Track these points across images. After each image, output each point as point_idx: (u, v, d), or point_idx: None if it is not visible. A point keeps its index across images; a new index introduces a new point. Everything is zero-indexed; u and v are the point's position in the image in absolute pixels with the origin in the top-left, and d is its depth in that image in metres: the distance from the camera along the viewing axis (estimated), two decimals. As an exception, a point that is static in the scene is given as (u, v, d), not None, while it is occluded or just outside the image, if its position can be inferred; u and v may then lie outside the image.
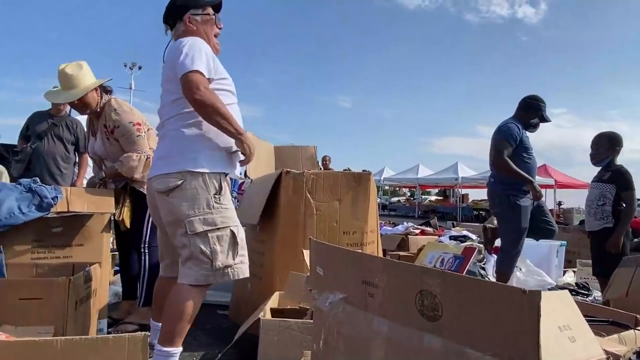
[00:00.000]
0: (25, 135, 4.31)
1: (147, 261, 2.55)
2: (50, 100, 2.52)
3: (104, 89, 2.59)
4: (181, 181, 1.71)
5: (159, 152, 1.86)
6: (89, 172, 4.33)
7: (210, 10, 1.95)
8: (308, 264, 1.67)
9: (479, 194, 22.70)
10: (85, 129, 2.74)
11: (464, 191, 20.72)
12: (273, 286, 2.31)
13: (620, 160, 3.15)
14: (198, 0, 1.92)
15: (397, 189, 37.31)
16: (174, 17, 1.92)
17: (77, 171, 4.51)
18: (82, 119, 5.28)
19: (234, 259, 1.78)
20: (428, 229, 5.38)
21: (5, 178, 4.26)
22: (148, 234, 2.56)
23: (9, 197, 2.00)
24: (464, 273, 2.82)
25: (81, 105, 2.48)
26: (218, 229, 1.75)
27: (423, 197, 26.87)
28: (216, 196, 1.76)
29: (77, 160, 4.53)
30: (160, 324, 1.77)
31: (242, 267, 1.81)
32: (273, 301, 2.04)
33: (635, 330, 1.47)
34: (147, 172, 2.25)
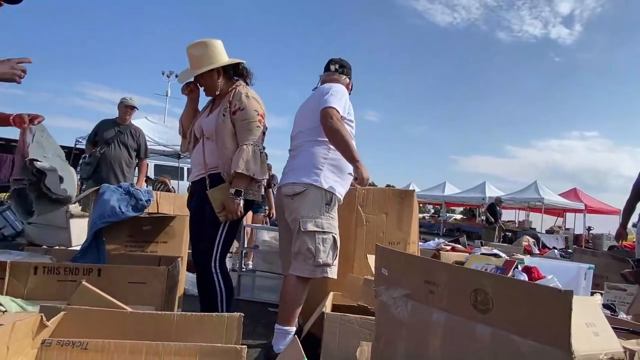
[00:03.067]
0: (93, 140, 4.76)
1: (221, 282, 2.22)
2: (180, 80, 2.49)
3: (236, 72, 2.43)
4: (304, 189, 2.24)
5: (291, 166, 2.41)
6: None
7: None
8: (372, 267, 1.96)
9: (506, 215, 22.53)
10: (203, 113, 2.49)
11: (490, 211, 20.60)
12: (326, 287, 2.60)
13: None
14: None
15: (422, 205, 37.21)
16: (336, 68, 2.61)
17: (137, 175, 4.93)
18: (142, 125, 5.72)
19: (332, 260, 2.24)
20: (458, 245, 5.60)
21: (75, 179, 4.70)
22: (220, 251, 2.22)
23: (112, 197, 2.37)
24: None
25: (203, 86, 2.42)
26: (324, 232, 2.21)
27: (448, 215, 26.82)
28: (327, 206, 2.25)
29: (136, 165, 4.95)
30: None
31: (335, 269, 2.27)
32: (330, 299, 2.34)
33: (653, 340, 1.71)
34: (261, 167, 2.23)
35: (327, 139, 2.28)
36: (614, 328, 1.88)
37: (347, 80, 2.59)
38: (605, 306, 3.71)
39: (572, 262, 4.48)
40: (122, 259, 2.36)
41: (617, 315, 3.53)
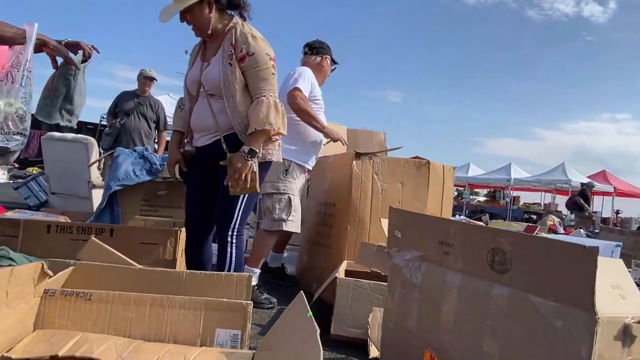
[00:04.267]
0: (113, 112, 4.80)
1: (233, 253, 2.02)
2: (160, 19, 1.88)
3: (231, 4, 2.00)
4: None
5: None
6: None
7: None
8: (385, 231, 1.90)
9: (531, 197, 22.10)
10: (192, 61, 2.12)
11: (515, 193, 20.20)
12: (341, 255, 2.57)
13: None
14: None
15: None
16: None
17: (156, 147, 4.96)
18: (164, 102, 5.73)
19: (287, 216, 2.66)
20: (480, 223, 5.49)
21: (96, 149, 4.76)
22: (239, 218, 2.02)
23: (126, 161, 2.36)
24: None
25: (191, 24, 1.96)
26: (280, 193, 2.68)
27: (471, 197, 26.42)
28: (285, 172, 2.70)
29: (156, 137, 4.97)
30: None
31: (291, 224, 2.69)
32: (344, 266, 2.30)
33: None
34: (283, 121, 1.96)
35: (290, 116, 2.57)
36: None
37: (318, 59, 2.94)
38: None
39: (599, 240, 4.33)
40: (136, 223, 2.36)
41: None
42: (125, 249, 1.94)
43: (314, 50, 2.95)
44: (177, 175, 2.09)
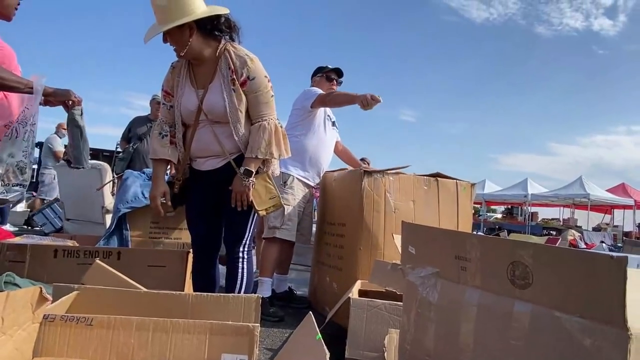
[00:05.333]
0: (127, 137, 4.85)
1: (245, 269, 2.00)
2: (144, 39, 1.84)
3: (216, 27, 1.90)
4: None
5: None
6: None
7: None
8: (399, 247, 1.83)
9: (549, 213, 21.68)
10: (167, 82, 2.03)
11: (533, 209, 19.84)
12: (354, 276, 2.49)
13: None
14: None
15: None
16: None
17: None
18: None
19: (280, 224, 2.83)
20: (498, 240, 5.35)
21: (109, 175, 4.79)
22: (250, 234, 2.04)
23: (135, 183, 2.34)
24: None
25: (176, 47, 1.88)
26: None
27: (488, 214, 26.02)
28: (283, 184, 2.87)
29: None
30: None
31: (285, 232, 2.85)
32: (357, 286, 2.22)
33: None
34: (284, 145, 1.99)
35: (290, 133, 2.71)
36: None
37: (317, 78, 3.25)
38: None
39: (622, 254, 4.18)
40: (146, 244, 2.33)
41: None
42: (133, 271, 1.90)
43: (316, 72, 3.31)
44: (161, 209, 1.96)
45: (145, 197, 2.31)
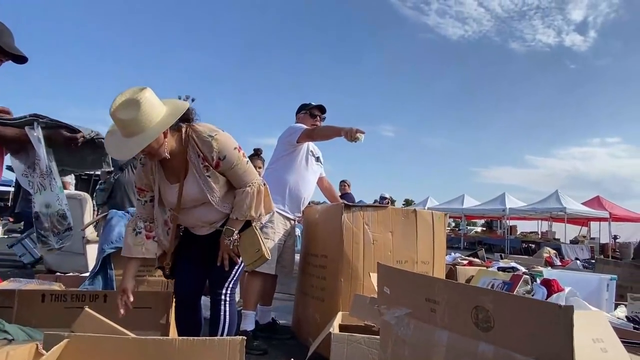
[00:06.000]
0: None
1: (227, 311, 2.05)
2: (110, 153, 1.91)
3: (182, 120, 1.88)
4: None
5: None
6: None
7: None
8: (375, 286, 1.93)
9: (527, 226, 22.08)
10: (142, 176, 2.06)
11: (511, 222, 20.22)
12: (335, 307, 2.57)
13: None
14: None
15: (442, 219, 36.76)
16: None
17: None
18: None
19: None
20: (476, 260, 5.49)
21: (89, 205, 4.79)
22: (234, 279, 2.10)
23: (119, 223, 2.40)
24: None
25: (148, 154, 1.87)
26: None
27: (469, 228, 26.39)
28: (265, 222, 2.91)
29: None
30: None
31: (264, 266, 2.53)
32: (338, 319, 2.31)
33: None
34: (266, 204, 2.11)
35: (273, 167, 3.18)
36: (631, 343, 1.81)
37: (301, 115, 3.37)
38: (628, 319, 3.58)
39: (593, 274, 4.35)
40: (131, 284, 2.37)
41: (642, 328, 3.39)
42: (118, 314, 1.96)
43: (299, 110, 3.42)
44: (121, 308, 1.89)
45: (130, 237, 2.36)
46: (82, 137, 2.17)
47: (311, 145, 3.26)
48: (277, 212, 3.03)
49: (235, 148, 1.95)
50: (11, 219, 11.82)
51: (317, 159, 3.30)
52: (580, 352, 1.08)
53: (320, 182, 3.45)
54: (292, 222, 3.18)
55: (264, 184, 2.08)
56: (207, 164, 1.91)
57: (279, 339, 2.95)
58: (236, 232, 1.99)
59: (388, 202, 8.70)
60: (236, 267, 2.07)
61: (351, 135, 2.83)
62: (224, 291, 2.05)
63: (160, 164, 1.98)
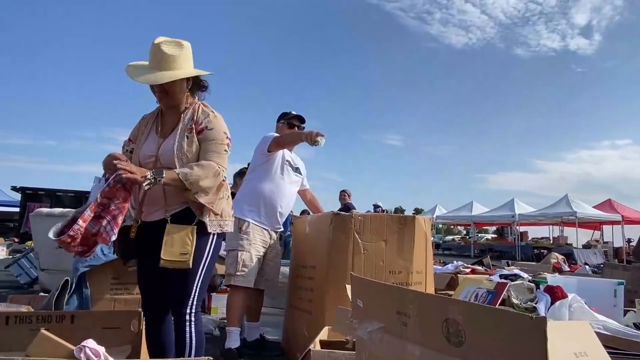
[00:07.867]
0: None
1: (193, 332, 1.89)
2: (132, 77, 1.84)
3: (199, 85, 2.02)
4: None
5: None
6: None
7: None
8: (350, 299, 1.82)
9: (538, 232, 21.72)
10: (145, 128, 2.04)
11: (522, 228, 19.89)
12: (322, 321, 2.45)
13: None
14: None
15: (452, 227, 36.44)
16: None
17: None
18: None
19: (234, 271, 2.81)
20: (479, 267, 5.33)
21: (83, 223, 4.73)
22: (197, 294, 1.90)
23: (94, 240, 2.31)
24: (497, 305, 2.84)
25: (164, 94, 1.91)
26: (231, 250, 2.88)
27: (479, 235, 26.05)
28: (239, 229, 2.86)
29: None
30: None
31: (241, 279, 2.81)
32: (323, 335, 2.19)
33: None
34: (217, 196, 1.89)
35: (249, 177, 3.14)
36: (627, 354, 1.68)
37: (280, 125, 3.31)
38: (636, 326, 3.40)
39: (600, 279, 4.18)
40: (106, 304, 2.29)
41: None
42: (87, 335, 1.84)
43: (279, 119, 3.36)
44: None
45: (104, 254, 2.28)
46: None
47: (288, 154, 3.16)
48: (252, 223, 2.95)
49: (224, 132, 1.97)
50: (16, 239, 11.86)
51: (297, 170, 3.19)
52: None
53: (303, 194, 3.35)
54: (273, 233, 3.05)
55: (228, 186, 2.03)
56: (193, 126, 1.93)
57: (268, 356, 2.84)
58: (163, 179, 1.73)
59: (382, 212, 8.57)
60: (197, 281, 1.87)
61: (311, 138, 2.83)
62: (187, 310, 1.87)
63: (159, 118, 2.03)
